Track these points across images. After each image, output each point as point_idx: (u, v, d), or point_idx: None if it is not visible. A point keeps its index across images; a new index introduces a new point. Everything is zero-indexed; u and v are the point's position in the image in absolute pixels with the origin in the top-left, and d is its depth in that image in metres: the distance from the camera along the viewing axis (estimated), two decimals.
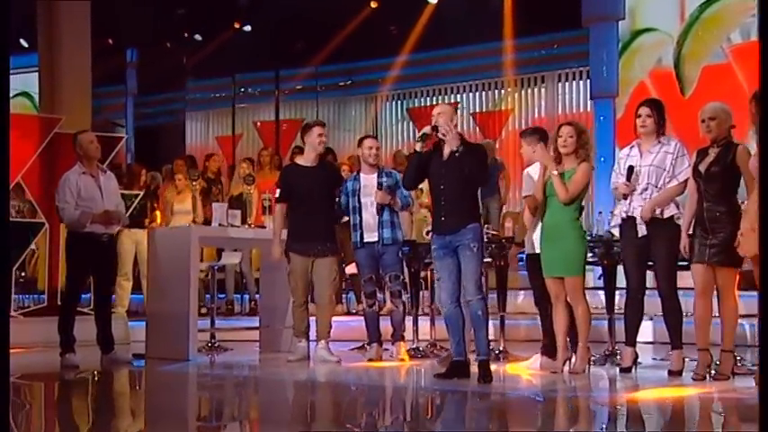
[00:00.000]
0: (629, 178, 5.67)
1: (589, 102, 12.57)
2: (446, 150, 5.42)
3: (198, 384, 6.12)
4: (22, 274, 10.06)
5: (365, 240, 6.88)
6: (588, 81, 12.40)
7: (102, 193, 6.77)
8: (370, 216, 6.87)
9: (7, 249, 5.52)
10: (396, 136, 14.75)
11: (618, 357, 6.06)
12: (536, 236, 5.93)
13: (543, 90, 13.70)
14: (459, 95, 14.26)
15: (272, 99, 14.70)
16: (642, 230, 5.62)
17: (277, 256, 6.77)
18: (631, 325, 5.74)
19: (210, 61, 14.08)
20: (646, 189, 5.66)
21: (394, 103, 14.91)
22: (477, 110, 14.15)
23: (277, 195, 6.89)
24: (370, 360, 6.86)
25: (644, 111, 5.68)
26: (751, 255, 4.76)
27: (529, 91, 13.76)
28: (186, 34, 14.28)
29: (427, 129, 5.42)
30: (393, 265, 6.82)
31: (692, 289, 5.51)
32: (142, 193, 9.57)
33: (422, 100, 14.60)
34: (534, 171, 6.03)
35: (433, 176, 5.51)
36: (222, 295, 10.19)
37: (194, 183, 8.83)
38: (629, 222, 5.66)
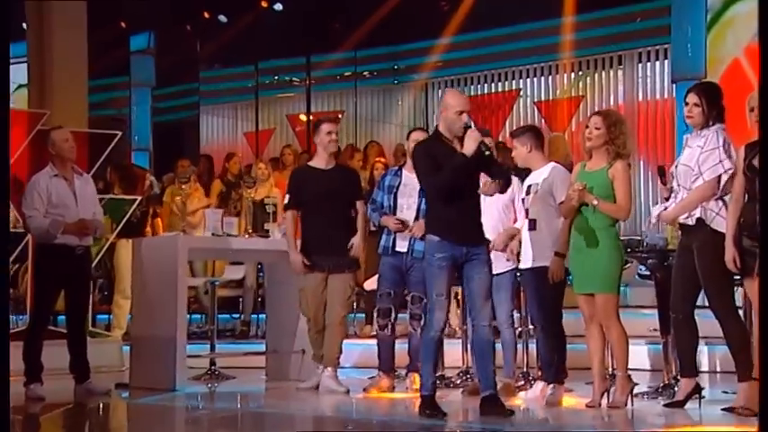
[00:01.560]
0: (662, 180, 5.67)
1: (672, 86, 12.36)
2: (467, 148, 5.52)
3: (170, 420, 6.23)
4: (11, 291, 10.32)
5: (396, 249, 6.88)
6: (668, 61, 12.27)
7: (76, 200, 6.85)
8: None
9: (6, 253, 5.69)
10: None
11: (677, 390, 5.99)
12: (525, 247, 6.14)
13: (621, 72, 13.56)
14: (520, 81, 14.27)
15: (302, 89, 14.94)
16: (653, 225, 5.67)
17: (299, 267, 6.85)
18: (682, 350, 5.69)
19: (230, 47, 14.29)
20: (677, 192, 5.64)
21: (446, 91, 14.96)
22: (542, 98, 14.12)
23: (286, 202, 7.02)
24: (366, 390, 6.90)
25: (691, 98, 5.60)
26: None
27: (603, 74, 13.65)
28: (207, 15, 14.50)
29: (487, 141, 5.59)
30: (419, 283, 6.66)
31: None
32: (140, 198, 9.74)
33: (477, 87, 14.65)
34: (535, 180, 6.22)
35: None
36: (238, 315, 10.37)
37: (184, 186, 8.96)
38: (684, 233, 5.66)
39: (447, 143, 5.65)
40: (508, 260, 6.44)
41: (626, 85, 13.47)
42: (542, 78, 14.10)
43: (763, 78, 4.32)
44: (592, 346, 5.82)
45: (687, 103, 5.60)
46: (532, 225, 6.23)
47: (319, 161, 7.00)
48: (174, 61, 14.96)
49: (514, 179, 6.35)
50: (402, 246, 6.88)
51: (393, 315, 6.89)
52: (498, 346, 6.25)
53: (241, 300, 10.20)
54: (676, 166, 5.67)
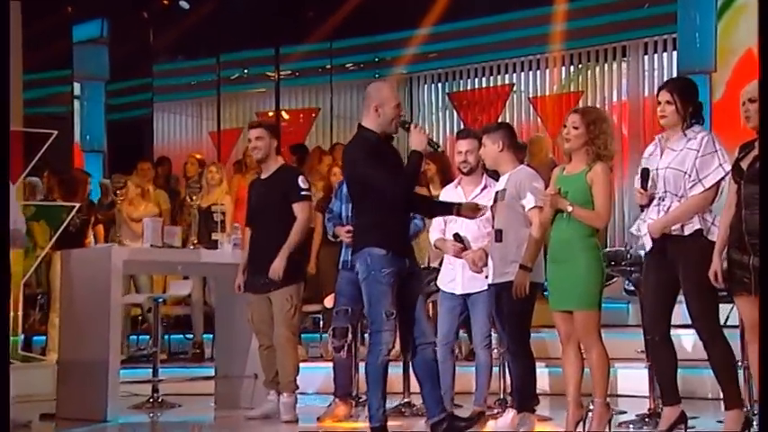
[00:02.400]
0: (644, 184, 5.60)
1: None
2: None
3: None
4: None
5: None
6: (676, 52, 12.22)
7: None
8: None
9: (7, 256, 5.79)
10: (437, 128, 14.91)
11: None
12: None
13: (624, 65, 13.54)
14: (513, 75, 14.29)
15: (270, 83, 14.93)
16: (647, 244, 5.56)
17: (236, 290, 7.15)
18: (661, 375, 5.65)
19: (190, 36, 14.24)
20: (663, 199, 5.58)
21: (432, 86, 15.07)
22: (538, 93, 14.12)
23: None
24: (320, 419, 6.94)
25: (663, 96, 5.60)
26: None
27: (605, 67, 13.64)
28: (166, 0, 14.46)
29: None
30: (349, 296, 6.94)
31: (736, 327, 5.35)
32: (79, 205, 9.66)
33: (466, 81, 14.66)
34: (503, 184, 6.25)
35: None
36: (192, 336, 10.33)
37: (119, 192, 8.89)
38: (658, 246, 5.61)
39: (387, 143, 5.68)
40: (486, 277, 6.43)
41: (630, 78, 13.43)
42: (538, 72, 14.09)
43: (763, 78, 4.39)
44: (568, 369, 5.82)
45: (659, 102, 5.62)
46: (498, 236, 6.24)
47: (263, 170, 7.13)
48: (129, 52, 14.85)
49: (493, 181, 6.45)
50: None
51: (351, 335, 6.95)
52: (472, 369, 6.31)
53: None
54: (658, 171, 5.60)
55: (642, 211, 5.68)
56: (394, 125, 5.62)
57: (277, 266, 6.83)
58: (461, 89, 14.68)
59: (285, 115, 15.32)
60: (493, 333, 6.76)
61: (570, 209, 5.69)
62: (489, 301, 6.48)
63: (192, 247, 7.87)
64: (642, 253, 5.99)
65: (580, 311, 5.68)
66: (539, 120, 13.86)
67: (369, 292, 5.59)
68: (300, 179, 7.06)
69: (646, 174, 5.60)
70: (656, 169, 5.60)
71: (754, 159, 5.18)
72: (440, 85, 14.98)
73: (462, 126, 14.03)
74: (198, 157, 11.56)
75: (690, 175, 5.50)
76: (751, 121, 5.23)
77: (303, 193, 6.98)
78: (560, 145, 6.22)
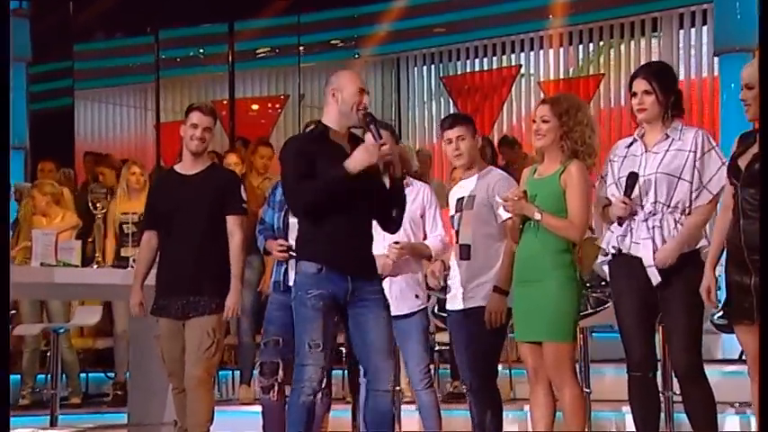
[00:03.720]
0: (628, 192, 5.54)
1: (714, 60, 12.34)
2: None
3: None
4: None
5: (290, 283, 6.84)
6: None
7: None
8: None
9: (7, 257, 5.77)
10: (429, 120, 14.99)
11: None
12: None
13: (655, 42, 13.52)
14: (521, 55, 14.29)
15: (222, 67, 14.89)
16: (656, 278, 5.51)
17: (135, 311, 6.91)
18: (642, 420, 5.65)
19: (121, 9, 14.21)
20: (654, 213, 5.52)
21: (423, 68, 15.11)
22: (550, 77, 14.17)
23: (144, 216, 7.09)
24: None
25: (639, 85, 5.57)
26: None
27: (632, 44, 13.63)
28: None
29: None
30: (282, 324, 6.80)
31: (732, 361, 5.30)
32: None
33: (464, 63, 14.70)
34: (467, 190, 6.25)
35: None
36: (113, 374, 10.26)
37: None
38: (625, 261, 5.63)
39: (335, 142, 5.64)
40: (417, 297, 6.48)
41: (662, 58, 13.26)
42: (550, 51, 14.13)
43: (763, 78, 4.54)
44: (536, 412, 5.84)
45: (635, 94, 5.60)
46: (465, 253, 6.25)
47: (184, 164, 6.94)
48: (54, 28, 14.74)
49: (419, 186, 6.49)
50: None
51: (282, 372, 6.82)
52: (416, 413, 6.30)
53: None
54: (644, 177, 5.53)
55: (619, 224, 5.61)
56: (355, 115, 5.58)
57: (232, 303, 6.77)
58: (458, 72, 14.75)
59: (254, 105, 15.44)
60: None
61: (538, 216, 5.68)
62: (424, 326, 6.54)
63: (95, 266, 7.73)
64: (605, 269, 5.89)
65: (550, 343, 5.68)
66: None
67: (294, 316, 5.62)
68: (241, 187, 7.00)
69: (634, 179, 5.54)
70: (641, 176, 5.55)
71: (754, 158, 5.08)
72: (432, 67, 15.02)
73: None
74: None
75: (691, 182, 5.48)
76: (750, 111, 5.18)
77: (244, 205, 6.92)
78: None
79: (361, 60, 15.11)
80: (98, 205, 8.41)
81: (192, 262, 6.72)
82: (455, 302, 6.31)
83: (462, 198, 6.31)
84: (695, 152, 5.48)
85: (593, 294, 7.21)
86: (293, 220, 6.69)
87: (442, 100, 15.00)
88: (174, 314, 6.75)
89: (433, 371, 7.52)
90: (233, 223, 6.79)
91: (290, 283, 6.57)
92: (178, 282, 6.74)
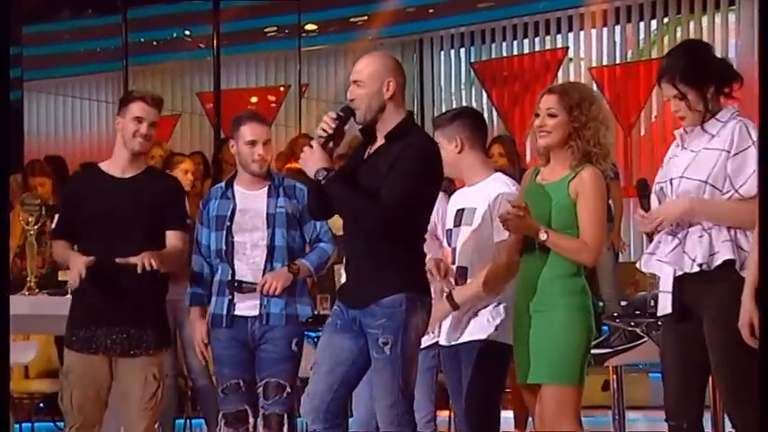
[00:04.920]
0: (644, 204, 5.50)
1: None
2: (371, 148, 5.89)
3: None
4: None
5: (236, 313, 7.06)
6: None
7: None
8: (248, 268, 7.06)
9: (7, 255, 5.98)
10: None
11: None
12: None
13: (733, 16, 13.57)
14: (568, 36, 14.36)
15: (206, 52, 14.90)
16: (664, 306, 5.45)
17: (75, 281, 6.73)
18: None
19: None
20: (680, 225, 5.41)
21: (451, 52, 15.14)
22: (603, 62, 14.28)
23: (54, 225, 7.08)
24: None
25: (667, 90, 5.48)
26: None
27: (704, 21, 13.71)
28: None
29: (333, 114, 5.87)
30: (279, 363, 6.99)
31: None
32: None
33: (500, 46, 14.75)
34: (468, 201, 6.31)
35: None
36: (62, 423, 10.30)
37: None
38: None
39: None
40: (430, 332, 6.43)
41: (742, 36, 13.45)
42: (603, 30, 14.20)
43: (763, 78, 4.66)
44: None
45: (668, 98, 5.52)
46: (461, 276, 6.29)
47: (115, 162, 6.92)
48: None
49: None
50: (247, 308, 6.98)
51: (252, 417, 7.00)
52: None
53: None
54: (670, 182, 5.45)
55: (649, 241, 5.57)
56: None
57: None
58: (492, 56, 14.78)
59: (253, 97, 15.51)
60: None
61: (544, 236, 5.68)
62: (433, 366, 6.67)
63: (26, 293, 7.69)
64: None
65: (552, 386, 5.71)
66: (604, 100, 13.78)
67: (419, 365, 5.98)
68: (185, 198, 7.07)
69: (644, 188, 5.50)
70: (668, 180, 5.49)
71: None
72: (461, 50, 15.04)
73: (494, 109, 14.31)
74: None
75: (721, 188, 5.37)
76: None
77: (188, 220, 7.02)
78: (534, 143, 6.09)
79: (375, 42, 15.09)
80: (30, 220, 8.34)
81: (130, 284, 6.68)
82: (447, 335, 6.33)
83: (462, 210, 6.34)
84: (729, 151, 5.36)
85: (629, 327, 7.30)
86: (241, 239, 7.05)
87: (473, 90, 15.02)
88: (106, 349, 6.71)
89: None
90: (174, 239, 6.83)
91: (237, 312, 7.00)
92: (112, 308, 6.72)
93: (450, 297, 6.13)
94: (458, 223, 6.33)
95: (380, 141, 5.79)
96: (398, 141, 5.72)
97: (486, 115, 14.35)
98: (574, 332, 5.71)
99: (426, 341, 6.39)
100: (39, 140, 15.80)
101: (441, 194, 6.54)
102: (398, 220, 5.65)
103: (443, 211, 6.54)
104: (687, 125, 5.51)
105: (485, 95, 14.73)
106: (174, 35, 15.88)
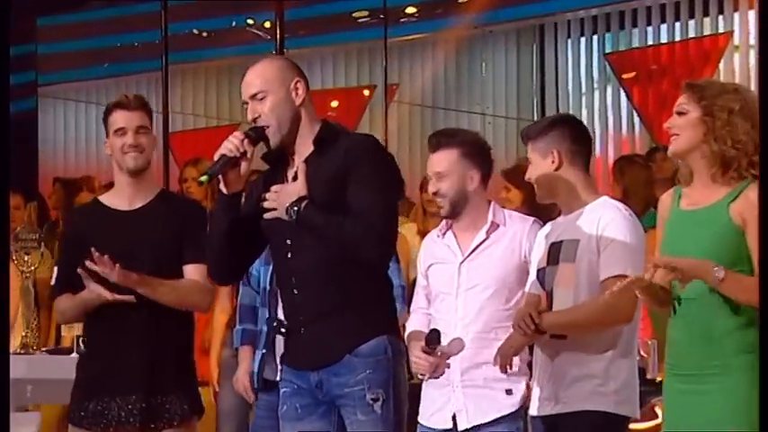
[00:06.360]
0: None
1: None
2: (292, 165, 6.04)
3: None
4: None
5: (266, 377, 7.55)
6: None
7: None
8: None
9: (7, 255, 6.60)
10: (586, 117, 14.86)
11: None
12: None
13: None
14: (732, 18, 14.27)
15: (268, 45, 14.79)
16: None
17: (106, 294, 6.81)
18: None
19: None
20: None
21: (580, 41, 15.11)
22: None
23: (53, 280, 7.21)
24: None
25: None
26: None
27: None
28: None
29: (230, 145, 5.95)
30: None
31: None
32: None
33: (642, 32, 14.67)
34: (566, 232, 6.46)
35: (271, 239, 6.11)
36: None
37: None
38: None
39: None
40: (510, 393, 6.61)
41: None
42: None
43: (763, 79, 5.21)
44: None
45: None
46: None
47: (118, 192, 7.11)
48: None
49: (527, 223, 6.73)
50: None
51: None
52: None
53: None
54: None
55: None
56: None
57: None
58: (632, 45, 14.65)
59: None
60: None
61: (721, 274, 5.46)
62: None
63: (20, 352, 7.81)
64: None
65: None
66: None
67: None
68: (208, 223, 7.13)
69: None
70: None
71: None
72: (594, 38, 14.96)
73: (635, 113, 14.21)
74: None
75: None
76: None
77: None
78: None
79: (481, 30, 15.14)
80: (27, 259, 8.24)
81: (145, 343, 6.80)
82: (539, 405, 6.42)
83: (560, 243, 6.41)
84: None
85: None
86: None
87: (609, 88, 14.88)
88: (120, 424, 6.76)
89: None
90: (194, 274, 6.91)
91: (274, 378, 7.28)
92: (126, 374, 6.79)
93: (533, 318, 6.16)
94: (554, 261, 6.38)
95: (302, 155, 5.85)
96: (334, 144, 5.82)
97: (624, 121, 14.47)
98: (754, 402, 5.54)
99: (508, 407, 6.63)
100: (56, 159, 16.09)
101: (531, 223, 6.86)
102: (394, 240, 5.86)
103: (529, 245, 6.68)
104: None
105: (623, 96, 14.59)
106: (234, 24, 15.88)
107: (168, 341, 6.86)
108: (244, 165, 5.88)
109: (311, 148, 5.87)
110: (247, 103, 5.92)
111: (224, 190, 5.94)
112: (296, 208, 5.73)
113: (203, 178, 6.03)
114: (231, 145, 5.81)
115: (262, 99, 5.86)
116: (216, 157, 5.88)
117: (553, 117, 7.07)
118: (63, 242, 7.48)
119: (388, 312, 6.00)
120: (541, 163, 6.42)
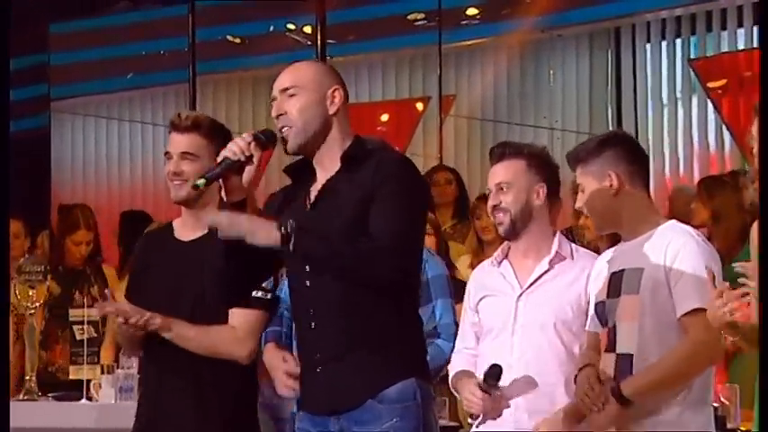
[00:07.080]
0: None
1: None
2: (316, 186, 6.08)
3: None
4: None
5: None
6: None
7: None
8: None
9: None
10: (668, 131, 15.02)
11: None
12: None
13: None
14: None
15: (307, 53, 14.81)
16: None
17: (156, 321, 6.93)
18: None
19: None
20: None
21: (662, 46, 15.12)
22: None
23: None
24: None
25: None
26: None
27: None
28: None
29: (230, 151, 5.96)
30: None
31: None
32: None
33: (732, 37, 14.57)
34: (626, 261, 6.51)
35: (289, 263, 6.13)
36: None
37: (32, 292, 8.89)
38: None
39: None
40: None
41: None
42: None
43: (763, 79, 5.23)
44: None
45: None
46: (626, 367, 6.40)
47: (184, 220, 7.18)
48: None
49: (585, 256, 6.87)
50: None
51: None
52: None
53: None
54: None
55: None
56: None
57: None
58: (721, 50, 14.55)
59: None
60: None
61: None
62: None
63: (23, 397, 7.86)
64: None
65: None
66: None
67: None
68: None
69: None
70: None
71: None
72: (677, 42, 14.89)
73: (725, 127, 14.22)
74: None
75: None
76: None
77: (260, 293, 7.01)
78: None
79: (549, 34, 15.16)
80: (31, 294, 8.14)
81: (190, 396, 6.87)
82: None
83: (621, 272, 6.42)
84: None
85: None
86: None
87: (694, 99, 14.75)
88: None
89: None
90: (241, 320, 6.91)
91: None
92: (168, 417, 6.89)
93: (617, 391, 6.08)
94: (615, 292, 6.39)
95: (327, 171, 5.87)
96: (364, 162, 5.81)
97: (712, 136, 14.32)
98: None
99: None
100: (73, 180, 16.17)
101: (582, 253, 7.04)
102: (410, 266, 5.81)
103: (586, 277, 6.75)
104: None
105: (710, 107, 14.48)
106: (272, 29, 15.90)
107: (220, 385, 6.87)
108: (249, 170, 5.83)
109: (338, 165, 5.84)
110: (276, 99, 5.89)
111: (224, 197, 5.93)
112: (288, 230, 5.64)
113: (199, 182, 5.95)
114: (236, 147, 5.78)
115: (292, 96, 5.83)
116: (218, 160, 5.87)
117: (604, 135, 6.99)
118: (129, 267, 7.62)
119: (416, 352, 5.97)
120: (597, 188, 6.44)
